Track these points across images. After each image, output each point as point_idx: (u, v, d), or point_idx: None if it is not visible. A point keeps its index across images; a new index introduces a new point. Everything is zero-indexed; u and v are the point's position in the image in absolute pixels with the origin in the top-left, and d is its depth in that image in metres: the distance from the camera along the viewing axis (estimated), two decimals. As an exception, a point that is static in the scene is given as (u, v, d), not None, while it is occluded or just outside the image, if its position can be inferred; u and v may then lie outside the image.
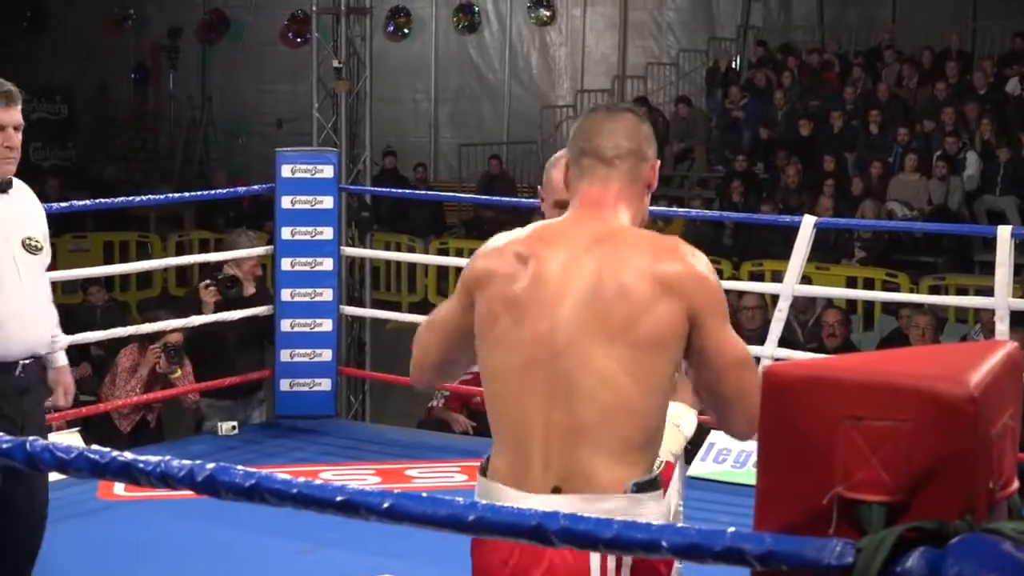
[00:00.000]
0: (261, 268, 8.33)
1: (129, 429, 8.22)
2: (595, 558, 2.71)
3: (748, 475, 6.62)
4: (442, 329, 3.00)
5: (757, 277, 12.70)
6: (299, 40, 19.91)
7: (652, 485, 2.76)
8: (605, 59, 19.78)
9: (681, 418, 3.61)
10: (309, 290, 7.79)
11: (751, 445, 6.72)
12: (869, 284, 12.54)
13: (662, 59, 19.43)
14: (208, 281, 7.88)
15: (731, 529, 1.83)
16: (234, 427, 7.62)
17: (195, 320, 7.61)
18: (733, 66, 18.44)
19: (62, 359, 4.62)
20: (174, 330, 7.75)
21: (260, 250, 8.14)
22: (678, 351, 2.74)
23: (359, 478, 6.73)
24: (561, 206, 3.04)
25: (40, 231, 4.35)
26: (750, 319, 9.58)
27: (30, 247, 4.27)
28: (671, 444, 3.60)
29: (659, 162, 2.98)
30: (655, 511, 2.72)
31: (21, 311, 4.23)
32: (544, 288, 2.75)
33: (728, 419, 2.85)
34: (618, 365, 2.70)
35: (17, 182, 4.39)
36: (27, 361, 4.28)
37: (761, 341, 6.91)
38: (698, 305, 2.71)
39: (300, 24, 19.75)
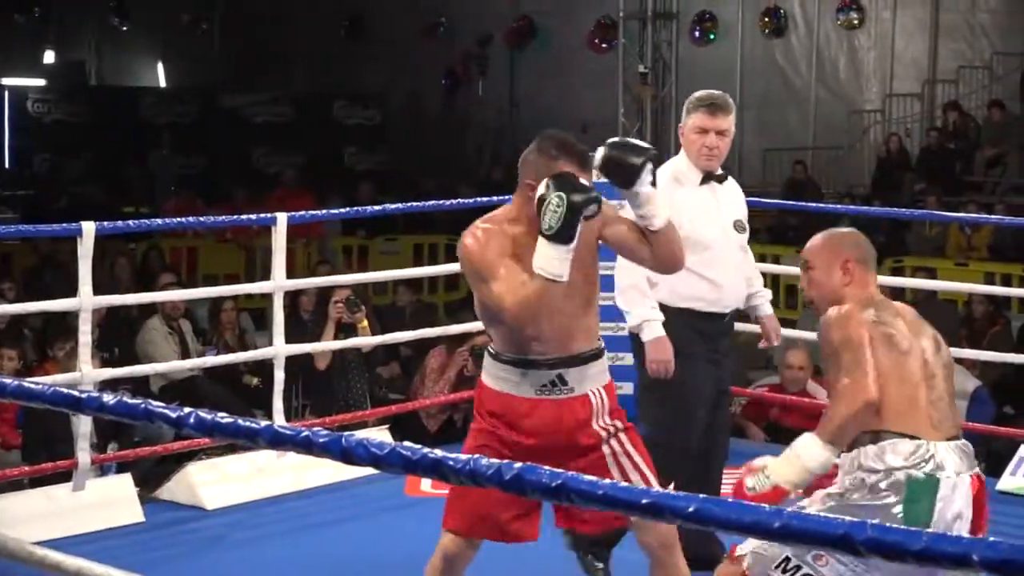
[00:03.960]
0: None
1: (436, 428, 8.41)
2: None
3: (1062, 492, 6.42)
4: None
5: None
6: (605, 45, 20.04)
7: None
8: (915, 62, 19.31)
9: (805, 449, 3.81)
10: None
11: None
12: None
13: (975, 62, 18.87)
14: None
15: (1046, 546, 1.78)
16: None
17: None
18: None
19: (769, 309, 5.62)
20: (480, 332, 7.88)
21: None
22: None
23: (659, 482, 6.71)
24: None
25: (744, 215, 5.42)
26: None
27: (738, 227, 5.35)
28: (787, 472, 3.84)
29: None
30: None
31: (732, 275, 5.30)
32: None
33: None
34: None
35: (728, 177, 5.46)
36: (730, 313, 5.39)
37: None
38: None
39: (607, 30, 19.87)
